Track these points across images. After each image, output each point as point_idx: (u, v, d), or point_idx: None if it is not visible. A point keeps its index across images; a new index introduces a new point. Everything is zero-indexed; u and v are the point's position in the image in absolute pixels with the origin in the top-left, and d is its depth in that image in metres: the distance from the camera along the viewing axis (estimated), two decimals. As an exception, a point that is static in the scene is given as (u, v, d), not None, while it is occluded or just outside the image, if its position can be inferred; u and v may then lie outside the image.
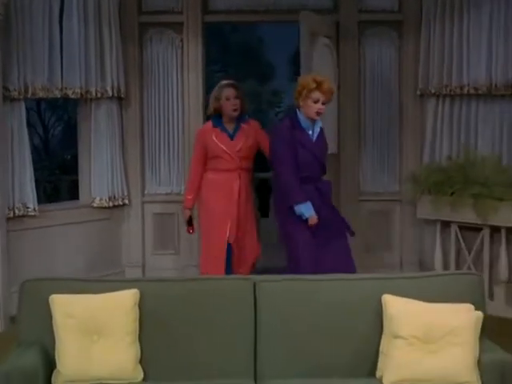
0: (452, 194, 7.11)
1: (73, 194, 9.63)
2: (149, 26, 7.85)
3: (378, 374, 3.93)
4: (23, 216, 7.04)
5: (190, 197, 6.56)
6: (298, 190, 5.71)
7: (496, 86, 7.30)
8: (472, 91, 7.41)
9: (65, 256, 7.30)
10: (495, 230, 7.11)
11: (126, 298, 3.99)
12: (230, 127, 6.47)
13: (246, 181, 6.52)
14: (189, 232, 6.69)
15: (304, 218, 5.71)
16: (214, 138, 6.42)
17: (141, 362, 3.95)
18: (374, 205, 7.92)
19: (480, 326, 3.92)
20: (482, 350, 3.87)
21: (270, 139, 5.93)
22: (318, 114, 5.80)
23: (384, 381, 3.84)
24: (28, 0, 6.91)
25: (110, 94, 7.55)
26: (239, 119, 6.50)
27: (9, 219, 6.91)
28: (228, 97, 6.42)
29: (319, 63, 6.97)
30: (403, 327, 3.87)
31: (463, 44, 7.45)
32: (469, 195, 7.05)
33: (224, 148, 6.39)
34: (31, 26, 6.97)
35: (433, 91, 7.58)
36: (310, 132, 5.85)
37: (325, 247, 5.78)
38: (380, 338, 3.97)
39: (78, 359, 3.89)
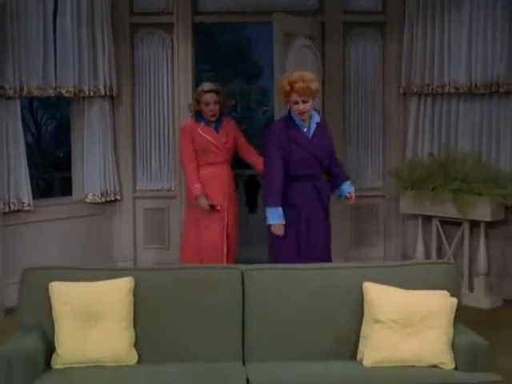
0: (433, 189, 7.28)
1: (65, 190, 9.63)
2: (140, 26, 7.93)
3: (358, 356, 4.16)
4: (18, 211, 7.18)
5: (197, 185, 6.53)
6: (276, 191, 5.55)
7: (476, 85, 7.40)
8: (453, 90, 7.53)
9: (58, 250, 7.41)
10: (475, 224, 7.31)
11: (121, 286, 4.19)
12: (212, 124, 6.62)
13: (231, 173, 6.70)
14: (219, 209, 6.61)
15: (271, 222, 5.55)
16: (201, 132, 6.54)
17: (135, 345, 4.16)
18: (359, 200, 7.89)
19: (454, 311, 4.15)
20: (456, 333, 4.11)
21: (264, 139, 5.77)
22: (302, 113, 5.61)
23: (364, 362, 4.07)
24: (23, 1, 7.06)
25: (103, 92, 7.65)
26: (219, 119, 6.64)
27: (4, 214, 7.06)
28: (207, 103, 6.54)
29: (298, 64, 7.05)
30: (382, 312, 4.09)
31: (444, 44, 7.57)
32: (449, 191, 7.21)
33: (212, 140, 6.51)
34: (26, 27, 7.10)
35: (415, 90, 7.72)
36: (305, 129, 5.68)
37: (316, 250, 5.65)
38: (361, 323, 4.19)
39: (76, 343, 4.08)
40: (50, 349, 4.09)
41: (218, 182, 6.57)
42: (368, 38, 8.01)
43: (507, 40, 7.26)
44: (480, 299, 7.23)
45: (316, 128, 5.71)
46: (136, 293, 4.20)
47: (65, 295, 4.15)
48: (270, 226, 5.55)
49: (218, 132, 6.61)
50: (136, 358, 4.16)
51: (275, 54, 7.09)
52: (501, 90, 7.30)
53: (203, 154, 6.57)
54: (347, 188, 5.86)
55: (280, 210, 5.54)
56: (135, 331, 4.18)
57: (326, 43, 7.90)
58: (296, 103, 5.55)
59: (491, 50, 7.35)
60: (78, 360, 4.08)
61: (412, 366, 4.02)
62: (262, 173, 5.83)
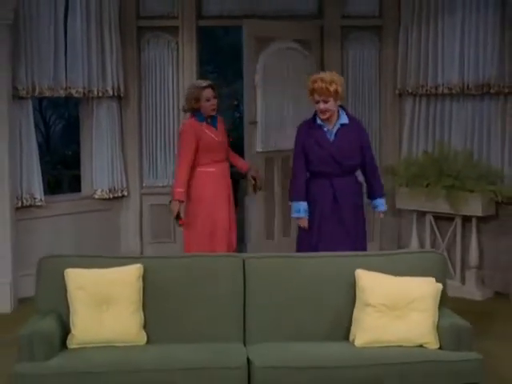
0: (427, 185, 7.47)
1: (73, 187, 9.90)
2: (146, 29, 8.15)
3: (350, 337, 4.46)
4: (30, 206, 7.44)
5: (182, 190, 6.44)
6: (298, 188, 5.81)
7: (468, 86, 7.60)
8: (446, 91, 7.73)
9: (68, 243, 7.61)
10: (467, 219, 7.52)
11: (131, 272, 4.49)
12: (211, 120, 6.59)
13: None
14: (180, 224, 6.51)
15: (294, 216, 5.83)
16: (207, 132, 6.50)
17: (144, 327, 4.45)
18: None
19: (439, 296, 4.45)
20: (440, 316, 4.42)
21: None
22: (322, 112, 5.71)
23: (356, 343, 4.38)
24: (35, 6, 7.32)
25: (111, 93, 7.88)
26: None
27: (17, 209, 7.32)
28: (208, 98, 6.51)
29: (274, 66, 7.55)
30: (373, 297, 4.40)
31: (438, 47, 7.78)
32: (442, 187, 7.40)
33: (216, 139, 6.52)
34: (38, 31, 7.36)
35: (410, 91, 7.94)
36: (326, 129, 5.77)
37: (328, 244, 5.69)
38: (353, 307, 4.50)
39: (90, 325, 4.38)
40: (65, 330, 4.38)
41: (222, 179, 6.63)
42: (365, 41, 8.26)
43: (498, 43, 7.46)
44: (472, 291, 7.46)
45: (340, 129, 5.79)
46: (145, 279, 4.49)
47: (79, 281, 4.43)
48: (295, 217, 5.84)
49: (217, 130, 6.64)
50: (145, 338, 4.46)
51: (245, 57, 7.50)
52: (492, 90, 7.51)
53: (208, 152, 6.55)
54: (381, 206, 6.02)
55: (304, 204, 5.78)
56: (144, 314, 4.47)
57: (325, 46, 8.17)
58: (317, 102, 5.69)
59: (482, 52, 7.54)
60: (92, 340, 4.37)
61: (400, 346, 4.32)
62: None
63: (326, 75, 5.75)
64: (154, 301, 4.49)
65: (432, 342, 4.34)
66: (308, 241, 5.79)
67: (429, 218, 7.71)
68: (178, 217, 6.39)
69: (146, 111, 8.24)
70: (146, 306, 4.48)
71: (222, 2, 8.25)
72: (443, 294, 4.49)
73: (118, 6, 7.98)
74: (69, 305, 4.43)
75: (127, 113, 8.17)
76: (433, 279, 4.50)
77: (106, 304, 4.42)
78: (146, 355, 4.26)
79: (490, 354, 5.09)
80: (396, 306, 4.38)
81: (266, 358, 4.20)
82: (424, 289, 4.44)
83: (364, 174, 5.99)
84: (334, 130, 5.78)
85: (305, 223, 5.79)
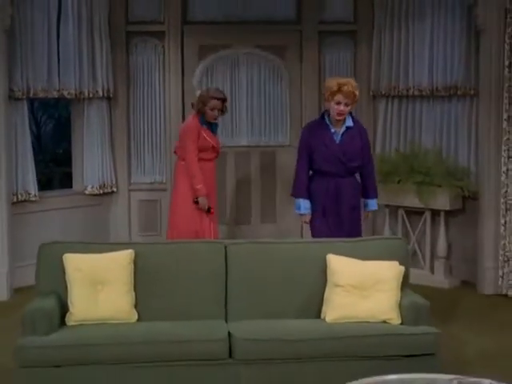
0: (399, 181, 7.79)
1: (64, 183, 10.17)
2: (135, 34, 8.39)
3: (322, 315, 4.91)
4: (25, 201, 7.77)
5: (201, 185, 6.89)
6: (300, 186, 6.08)
7: (437, 88, 7.93)
8: (416, 93, 8.06)
9: (60, 237, 7.64)
10: (435, 213, 7.84)
11: (124, 257, 4.89)
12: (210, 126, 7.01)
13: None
14: (212, 213, 7.01)
15: (298, 212, 6.13)
16: (204, 134, 6.91)
17: (135, 306, 4.86)
18: None
19: (401, 278, 4.90)
20: (403, 296, 4.86)
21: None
22: (340, 114, 5.94)
23: (326, 319, 4.82)
24: (30, 13, 7.66)
25: (101, 94, 8.15)
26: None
27: (13, 204, 7.64)
28: (213, 108, 6.88)
29: (220, 70, 8.20)
30: (342, 278, 4.84)
31: (409, 51, 8.11)
32: (413, 183, 7.72)
33: (212, 142, 6.97)
34: (33, 35, 7.69)
35: (383, 92, 8.28)
36: (333, 131, 6.01)
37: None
38: (324, 287, 4.93)
39: (86, 304, 4.77)
40: (64, 309, 4.78)
41: (211, 175, 7.04)
42: (341, 45, 8.54)
43: (464, 49, 7.82)
44: (440, 280, 7.83)
45: (345, 131, 6.06)
46: (136, 263, 4.89)
47: (76, 264, 4.83)
48: (299, 213, 6.14)
49: (214, 134, 7.06)
50: (136, 316, 4.86)
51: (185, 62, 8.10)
52: (459, 92, 7.88)
53: (204, 152, 6.95)
54: (372, 205, 6.35)
55: (306, 201, 6.06)
56: (135, 294, 4.86)
57: (303, 50, 8.48)
58: (338, 103, 5.90)
59: (450, 56, 7.90)
60: (88, 318, 4.76)
61: (366, 322, 4.76)
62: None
63: (352, 81, 6.08)
64: (144, 282, 4.90)
65: (394, 318, 4.79)
66: (314, 233, 6.08)
67: (401, 212, 8.04)
68: (208, 210, 6.93)
69: (134, 111, 8.49)
70: (136, 287, 4.88)
71: (207, 9, 8.51)
72: (405, 275, 4.93)
73: (108, 12, 8.22)
74: (67, 286, 4.81)
75: (116, 113, 8.45)
76: (396, 263, 4.93)
77: (100, 285, 4.81)
78: (137, 330, 4.68)
79: (454, 336, 5.52)
80: (363, 287, 4.82)
81: (245, 332, 4.65)
82: (388, 271, 4.87)
83: (360, 174, 6.26)
84: (340, 133, 6.03)
85: (306, 219, 6.09)
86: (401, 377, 3.86)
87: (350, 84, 5.96)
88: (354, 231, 6.06)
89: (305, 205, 6.09)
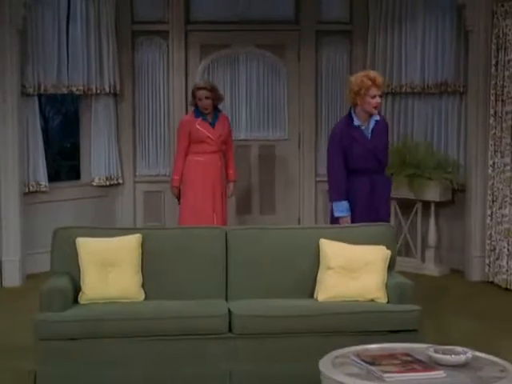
0: (392, 174, 7.87)
1: (71, 176, 10.50)
2: (140, 33, 8.72)
3: (315, 295, 5.25)
4: (36, 192, 8.14)
5: (177, 177, 7.36)
6: (338, 188, 5.96)
7: (428, 85, 8.28)
8: (409, 90, 8.40)
9: (69, 225, 8.31)
10: (426, 204, 8.14)
11: (132, 240, 5.23)
12: (210, 117, 7.31)
13: (223, 162, 7.47)
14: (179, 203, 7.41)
15: (339, 215, 5.96)
16: (198, 126, 7.22)
17: (143, 286, 5.21)
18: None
19: (388, 260, 5.24)
20: (389, 277, 5.20)
21: (329, 138, 6.22)
22: (376, 107, 5.91)
23: (319, 298, 5.18)
24: (40, 13, 8.03)
25: (108, 90, 8.48)
26: (216, 110, 7.34)
27: (24, 194, 7.99)
28: (200, 98, 7.20)
29: (221, 68, 8.53)
30: (333, 261, 5.18)
31: (401, 50, 8.45)
32: (405, 176, 8.01)
33: (208, 134, 7.23)
34: (43, 35, 8.06)
35: None
36: (364, 128, 5.95)
37: None
38: (317, 270, 5.27)
39: (97, 284, 5.10)
40: (76, 289, 5.12)
41: (209, 169, 7.29)
42: (337, 44, 8.87)
43: (454, 48, 8.20)
44: (430, 268, 8.16)
45: (375, 125, 6.00)
46: (143, 246, 5.23)
47: (88, 248, 5.15)
48: (337, 218, 5.98)
49: (213, 126, 7.28)
50: (143, 295, 5.19)
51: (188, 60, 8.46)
52: (449, 89, 8.24)
53: (200, 144, 7.25)
54: None
55: (345, 203, 5.94)
56: (142, 275, 5.20)
57: (301, 49, 8.82)
58: (374, 97, 5.86)
59: (441, 56, 8.27)
60: (99, 297, 5.09)
61: (355, 301, 5.11)
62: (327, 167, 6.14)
63: (376, 72, 6.15)
64: (150, 264, 5.25)
65: (381, 297, 5.14)
66: None
67: (393, 204, 8.23)
68: (178, 198, 7.35)
69: (139, 107, 8.83)
70: (144, 268, 5.22)
71: (208, 9, 8.84)
72: (391, 258, 5.28)
73: (114, 13, 8.56)
74: (79, 268, 5.14)
75: (122, 108, 8.77)
76: (384, 247, 5.27)
77: (110, 267, 5.13)
78: (144, 308, 5.04)
79: (441, 319, 5.85)
80: (352, 269, 5.16)
81: (244, 309, 5.02)
82: (375, 254, 5.21)
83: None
84: (370, 128, 5.98)
85: (348, 221, 5.93)
86: (382, 346, 4.25)
87: (379, 75, 6.01)
88: None
89: (346, 206, 5.97)
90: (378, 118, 6.04)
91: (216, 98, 7.32)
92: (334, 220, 6.02)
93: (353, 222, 5.94)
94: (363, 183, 5.98)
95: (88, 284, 5.13)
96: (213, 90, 7.29)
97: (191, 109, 7.61)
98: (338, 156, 5.96)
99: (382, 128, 6.08)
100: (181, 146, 7.38)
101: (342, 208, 5.97)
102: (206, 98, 7.20)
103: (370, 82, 5.87)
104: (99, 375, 4.88)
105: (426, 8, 8.37)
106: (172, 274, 5.28)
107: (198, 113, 7.31)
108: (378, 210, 6.01)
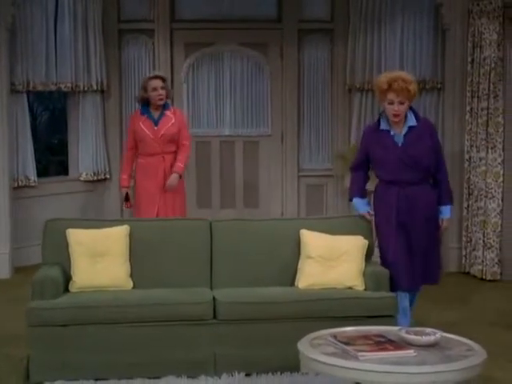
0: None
1: (59, 171, 10.66)
2: (126, 32, 8.84)
3: (295, 283, 5.48)
4: (25, 186, 8.31)
5: (125, 176, 7.11)
6: (354, 186, 5.60)
7: None
8: None
9: None
10: None
11: (120, 231, 5.44)
12: (156, 114, 6.99)
13: (172, 162, 7.01)
14: (126, 207, 7.28)
15: (359, 212, 5.61)
16: (141, 125, 6.94)
17: (131, 275, 5.41)
18: (311, 179, 9.13)
19: (365, 250, 5.47)
20: (366, 266, 5.45)
21: None
22: (395, 116, 5.22)
23: (299, 286, 5.41)
24: (29, 12, 8.20)
25: (95, 87, 8.62)
26: (164, 107, 7.01)
27: (14, 189, 8.16)
28: (155, 88, 6.88)
29: (206, 66, 8.69)
30: (313, 251, 5.42)
31: (381, 48, 8.62)
32: None
33: (148, 133, 6.91)
34: (32, 33, 8.22)
35: (358, 86, 8.73)
36: (393, 133, 5.33)
37: (408, 252, 5.44)
38: (298, 259, 5.51)
39: (87, 273, 5.29)
40: (67, 278, 5.32)
41: (150, 172, 6.97)
42: (319, 42, 9.00)
43: (432, 45, 8.48)
44: None
45: (408, 132, 5.33)
46: (131, 237, 5.43)
47: (78, 238, 5.35)
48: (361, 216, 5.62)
49: (157, 125, 6.95)
50: (131, 284, 5.39)
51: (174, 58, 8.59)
52: (427, 86, 8.48)
53: (142, 144, 6.98)
54: (445, 213, 5.55)
55: (362, 200, 5.57)
56: (130, 265, 5.41)
57: (284, 47, 9.00)
58: (391, 103, 5.21)
59: (419, 53, 8.53)
60: (89, 285, 5.28)
61: (333, 288, 5.34)
62: None
63: (404, 74, 5.37)
64: (138, 254, 5.46)
65: (358, 284, 5.38)
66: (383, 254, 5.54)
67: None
68: (126, 199, 7.18)
69: (125, 104, 8.93)
70: (131, 258, 5.42)
71: (194, 7, 8.98)
72: (368, 248, 5.51)
73: (102, 11, 8.67)
74: (70, 257, 5.34)
75: (109, 105, 8.90)
76: (361, 237, 5.51)
77: (100, 257, 5.32)
78: (132, 296, 5.25)
79: (418, 308, 6.06)
80: (331, 258, 5.39)
81: (228, 296, 5.25)
82: (353, 244, 5.45)
83: (433, 178, 5.54)
84: (403, 134, 5.33)
85: (368, 216, 5.56)
86: (357, 328, 4.49)
87: (401, 78, 5.23)
88: (430, 247, 5.51)
89: (362, 202, 5.61)
90: (414, 123, 5.35)
91: (168, 90, 7.11)
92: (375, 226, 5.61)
93: (385, 241, 5.49)
94: (394, 196, 5.38)
95: (78, 273, 5.32)
96: (166, 80, 7.09)
97: (138, 106, 7.39)
98: (360, 156, 5.59)
99: (421, 133, 5.35)
100: (128, 144, 7.18)
101: (359, 205, 5.61)
102: (161, 88, 6.94)
103: (385, 86, 5.22)
104: (89, 360, 5.09)
105: (404, 7, 8.60)
106: (159, 264, 5.49)
107: (145, 110, 7.05)
108: (417, 232, 5.43)
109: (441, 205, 5.55)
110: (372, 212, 5.59)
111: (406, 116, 5.33)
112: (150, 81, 6.99)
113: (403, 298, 5.46)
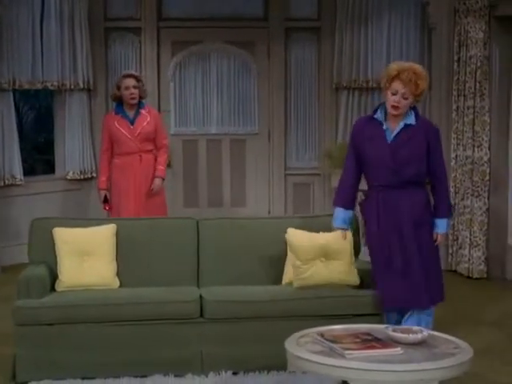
0: None
1: (45, 170, 10.67)
2: (113, 30, 8.90)
3: (283, 281, 5.49)
4: (11, 185, 8.30)
5: (103, 178, 7.04)
6: (340, 193, 5.12)
7: None
8: (375, 85, 8.55)
9: None
10: None
11: (107, 230, 5.44)
12: (131, 113, 6.93)
13: (149, 161, 6.97)
14: (105, 209, 7.19)
15: (334, 225, 5.20)
16: (116, 124, 6.88)
17: (117, 274, 5.42)
18: (298, 178, 9.18)
19: (352, 247, 5.41)
20: (354, 263, 5.42)
21: None
22: (394, 107, 4.74)
23: (286, 284, 5.40)
24: (15, 10, 8.19)
25: (82, 86, 8.64)
26: (139, 106, 6.94)
27: (0, 188, 8.16)
28: (127, 86, 6.83)
29: (192, 64, 8.73)
30: (300, 249, 5.35)
31: (368, 47, 8.75)
32: None
33: (124, 132, 6.85)
34: (18, 31, 8.22)
35: (345, 85, 8.85)
36: (385, 127, 4.85)
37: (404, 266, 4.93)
38: (285, 257, 5.49)
39: (74, 272, 5.29)
40: (54, 277, 5.31)
41: (127, 171, 6.91)
42: (306, 41, 9.09)
43: (418, 44, 8.58)
44: None
45: (402, 130, 4.83)
46: (118, 236, 5.44)
47: (65, 237, 5.34)
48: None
49: (132, 124, 6.90)
50: (118, 283, 5.40)
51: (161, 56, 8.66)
52: None
53: (117, 144, 6.91)
54: (441, 227, 4.99)
55: (341, 211, 5.07)
56: (117, 264, 5.41)
57: (271, 45, 9.05)
58: (395, 93, 4.75)
59: (406, 52, 8.62)
60: (75, 284, 5.28)
61: (322, 286, 5.29)
62: None
63: (417, 67, 4.83)
64: (125, 253, 5.46)
65: (352, 280, 5.33)
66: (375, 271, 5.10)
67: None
68: (105, 201, 7.14)
69: (112, 102, 8.38)
70: (118, 257, 5.43)
71: (180, 6, 9.02)
72: (355, 245, 5.49)
73: (88, 10, 8.71)
74: (56, 256, 5.34)
75: (96, 103, 8.92)
76: (350, 233, 5.43)
77: (86, 256, 5.32)
78: (119, 294, 5.26)
79: None
80: (317, 255, 5.31)
81: (215, 295, 5.26)
82: (342, 241, 5.35)
83: (431, 186, 5.04)
84: (395, 131, 4.84)
85: (343, 236, 5.11)
86: (344, 326, 4.49)
87: (412, 70, 4.75)
88: (429, 260, 4.97)
89: (343, 216, 5.10)
90: (412, 122, 4.86)
91: (142, 89, 7.00)
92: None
93: (373, 254, 5.08)
94: (378, 200, 4.95)
95: (65, 272, 5.32)
96: (140, 80, 7.02)
97: (112, 105, 7.38)
98: (350, 155, 5.06)
99: (416, 134, 4.85)
100: (103, 146, 7.09)
101: (336, 216, 5.15)
102: (134, 87, 6.87)
103: (394, 73, 4.75)
104: (76, 359, 5.08)
105: (391, 6, 8.69)
106: (146, 262, 5.50)
107: (119, 109, 7.00)
108: (405, 241, 4.92)
109: (436, 217, 4.99)
110: (349, 231, 5.17)
111: (406, 114, 4.88)
112: (123, 79, 6.95)
113: (390, 319, 5.10)
